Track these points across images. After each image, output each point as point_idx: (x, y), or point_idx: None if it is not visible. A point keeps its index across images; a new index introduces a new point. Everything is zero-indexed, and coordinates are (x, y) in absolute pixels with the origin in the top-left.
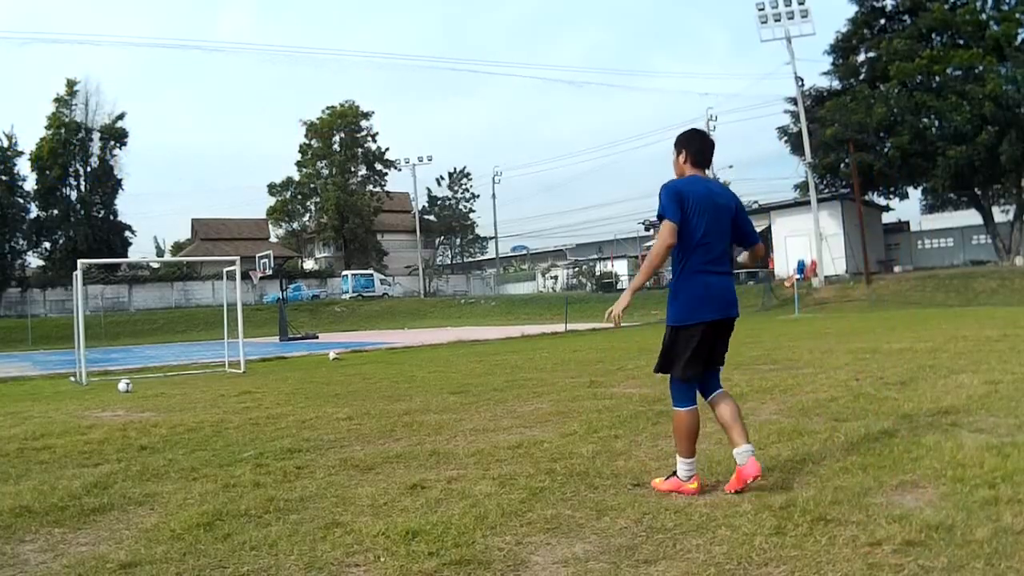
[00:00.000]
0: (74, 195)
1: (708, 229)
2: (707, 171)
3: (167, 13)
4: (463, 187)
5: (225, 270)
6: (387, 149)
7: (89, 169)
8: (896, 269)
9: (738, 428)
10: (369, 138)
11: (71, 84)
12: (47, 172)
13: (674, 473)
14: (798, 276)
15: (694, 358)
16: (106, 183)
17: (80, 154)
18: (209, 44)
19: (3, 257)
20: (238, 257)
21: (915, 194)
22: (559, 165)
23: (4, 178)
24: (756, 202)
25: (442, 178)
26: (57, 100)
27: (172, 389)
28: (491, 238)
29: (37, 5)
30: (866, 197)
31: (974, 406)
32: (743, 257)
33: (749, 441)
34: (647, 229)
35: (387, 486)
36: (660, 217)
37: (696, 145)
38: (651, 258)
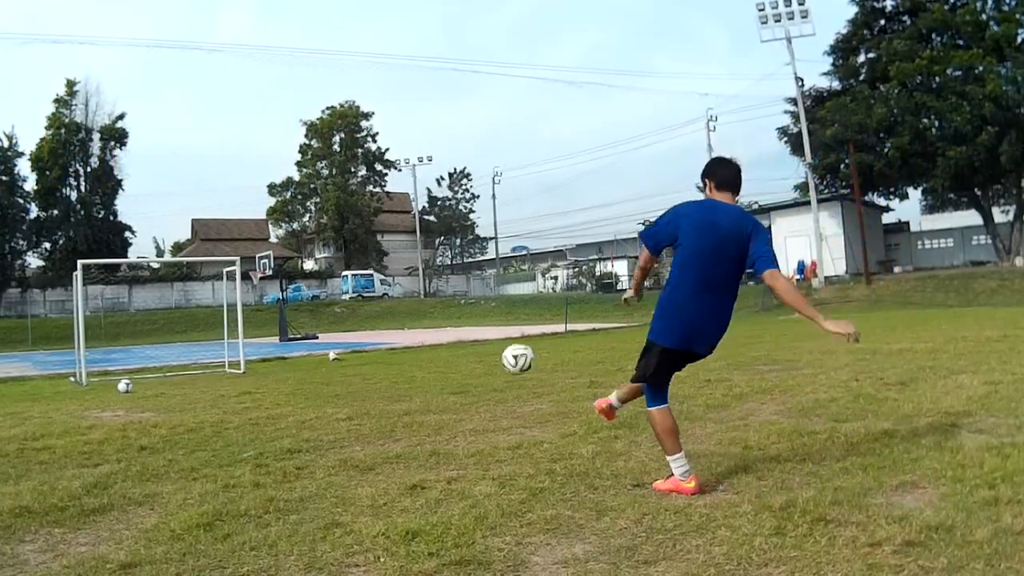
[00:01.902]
0: (74, 195)
1: (703, 252)
2: (735, 196)
3: (167, 13)
4: (463, 187)
5: (225, 270)
6: (387, 149)
7: (89, 169)
8: (896, 269)
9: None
10: (369, 138)
11: (71, 84)
12: (47, 172)
13: (672, 474)
14: (798, 277)
15: (658, 372)
16: (106, 183)
17: (80, 154)
18: (209, 44)
19: (3, 257)
20: (238, 257)
21: (915, 194)
22: (559, 165)
23: (4, 178)
24: (756, 202)
25: (442, 178)
26: (57, 100)
27: (172, 389)
28: (491, 238)
29: (37, 5)
30: (866, 197)
31: (974, 407)
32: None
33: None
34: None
35: (387, 486)
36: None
37: (720, 172)
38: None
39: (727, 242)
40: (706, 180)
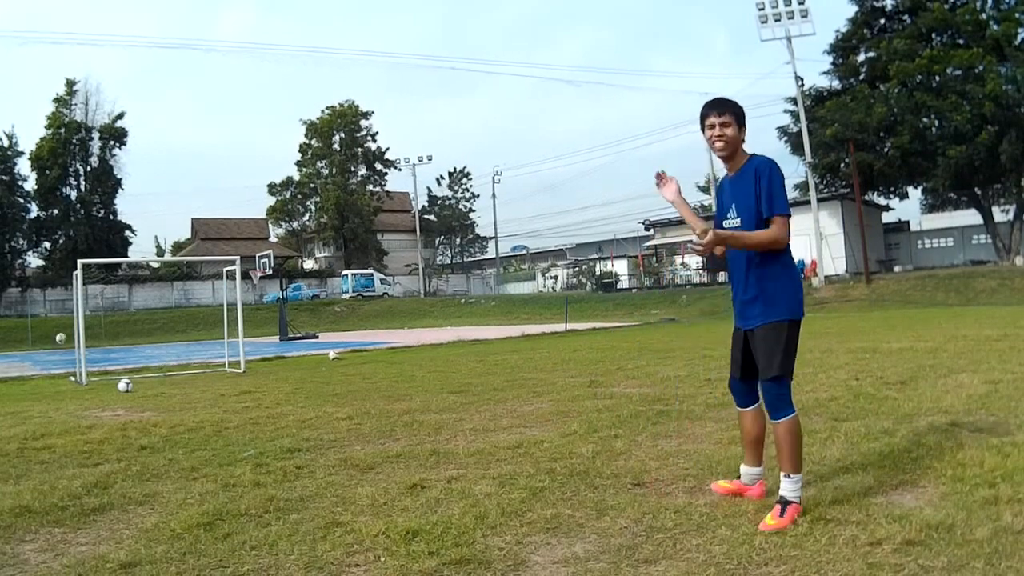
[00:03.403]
0: (74, 195)
1: None
2: None
3: (167, 13)
4: (463, 187)
5: (225, 270)
6: (387, 149)
7: (89, 169)
8: (896, 269)
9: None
10: (369, 138)
11: (71, 84)
12: (47, 172)
13: (787, 502)
14: None
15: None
16: (106, 183)
17: (80, 154)
18: (209, 44)
19: (3, 257)
20: (238, 257)
21: (915, 194)
22: (559, 165)
23: (4, 178)
24: None
25: (442, 178)
26: (57, 100)
27: (172, 389)
28: (491, 238)
29: (37, 5)
30: (866, 197)
31: (974, 406)
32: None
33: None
34: (647, 228)
35: (387, 486)
36: (784, 213)
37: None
38: (757, 244)
39: None
40: (744, 125)
